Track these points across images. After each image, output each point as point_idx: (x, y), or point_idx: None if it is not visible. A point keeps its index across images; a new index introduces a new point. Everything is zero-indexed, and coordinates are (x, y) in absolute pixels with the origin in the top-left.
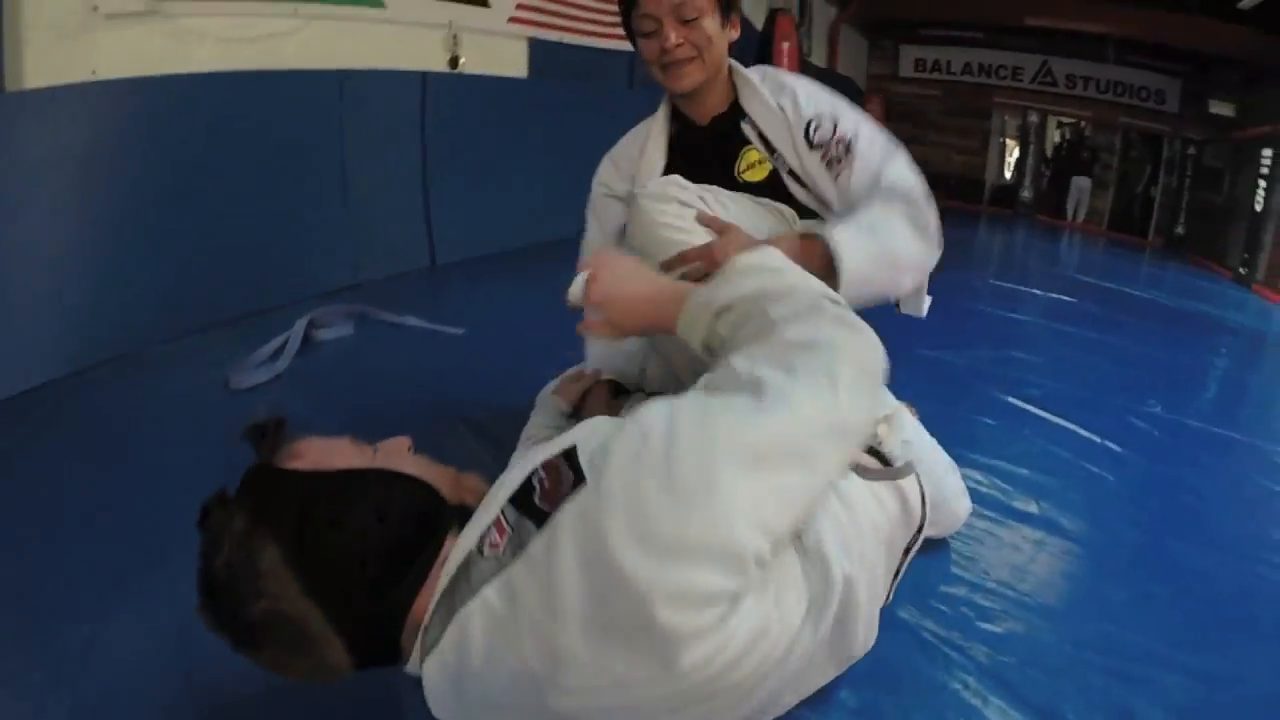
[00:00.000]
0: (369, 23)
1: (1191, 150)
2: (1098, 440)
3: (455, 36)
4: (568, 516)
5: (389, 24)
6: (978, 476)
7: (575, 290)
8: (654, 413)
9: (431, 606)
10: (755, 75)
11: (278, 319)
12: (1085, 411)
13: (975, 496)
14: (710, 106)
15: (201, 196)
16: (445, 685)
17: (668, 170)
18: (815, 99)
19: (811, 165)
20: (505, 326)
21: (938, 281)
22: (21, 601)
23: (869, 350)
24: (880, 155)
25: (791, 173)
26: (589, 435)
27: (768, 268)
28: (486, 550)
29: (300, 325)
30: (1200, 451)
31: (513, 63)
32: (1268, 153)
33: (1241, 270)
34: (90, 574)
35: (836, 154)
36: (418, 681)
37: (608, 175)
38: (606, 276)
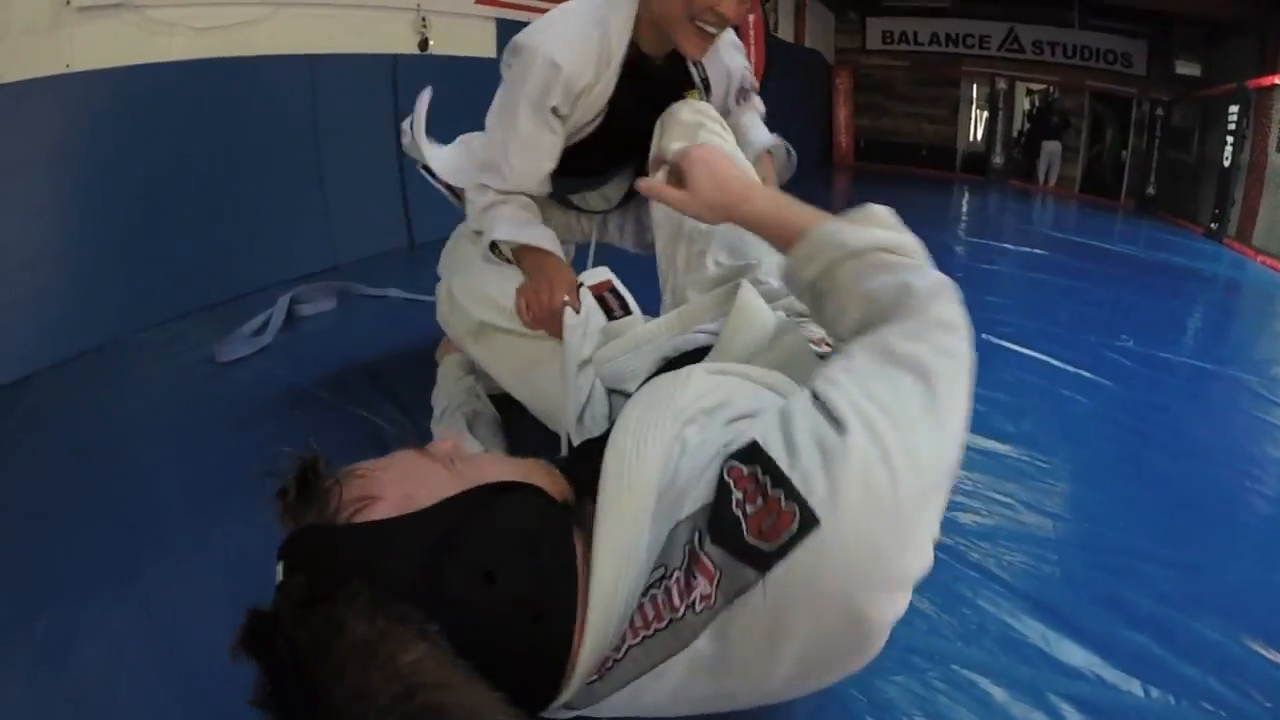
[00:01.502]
0: (338, 8)
1: (1160, 111)
2: (1071, 369)
3: (424, 19)
4: (804, 565)
5: (358, 9)
6: None
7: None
8: (856, 423)
9: (596, 643)
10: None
11: (258, 302)
12: (1058, 345)
13: None
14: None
15: (178, 184)
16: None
17: (614, 95)
18: (746, 63)
19: (727, 107)
20: None
21: None
22: (14, 586)
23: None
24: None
25: None
26: (769, 430)
27: (895, 225)
28: (699, 606)
29: (283, 301)
30: (1175, 379)
31: (481, 43)
32: (1234, 109)
33: (1213, 226)
34: (88, 557)
35: (742, 96)
36: None
37: (559, 96)
38: (714, 152)
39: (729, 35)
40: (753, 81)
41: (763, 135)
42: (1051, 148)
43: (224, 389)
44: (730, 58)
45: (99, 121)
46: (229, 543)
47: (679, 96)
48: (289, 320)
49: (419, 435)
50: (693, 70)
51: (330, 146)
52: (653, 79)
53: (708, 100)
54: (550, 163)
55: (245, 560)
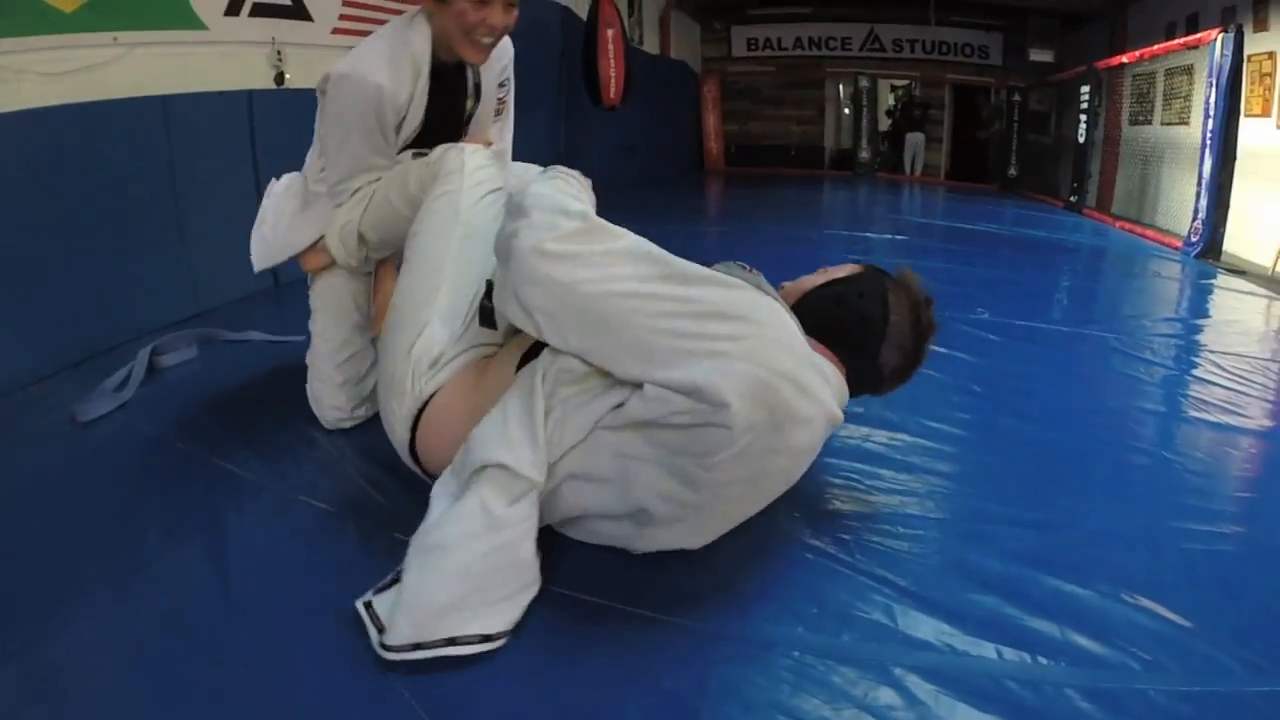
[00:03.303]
0: (191, 45)
1: (1017, 97)
2: None
3: (279, 52)
4: None
5: (211, 45)
6: None
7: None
8: None
9: None
10: None
11: (122, 355)
12: None
13: None
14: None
15: (32, 239)
16: None
17: (430, 99)
18: (512, 67)
19: (489, 109)
20: None
21: (774, 234)
22: None
23: None
24: (510, 111)
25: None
26: None
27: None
28: None
29: (143, 354)
30: (1033, 345)
31: None
32: (1086, 89)
33: (1072, 199)
34: None
35: (500, 107)
36: None
37: (389, 113)
38: None
39: (507, 45)
40: (510, 96)
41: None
42: (915, 139)
43: (84, 449)
44: (505, 67)
45: None
46: (94, 606)
47: (464, 95)
48: (151, 372)
49: (277, 482)
50: (469, 75)
51: (188, 188)
52: (454, 80)
53: (477, 102)
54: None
55: (110, 622)
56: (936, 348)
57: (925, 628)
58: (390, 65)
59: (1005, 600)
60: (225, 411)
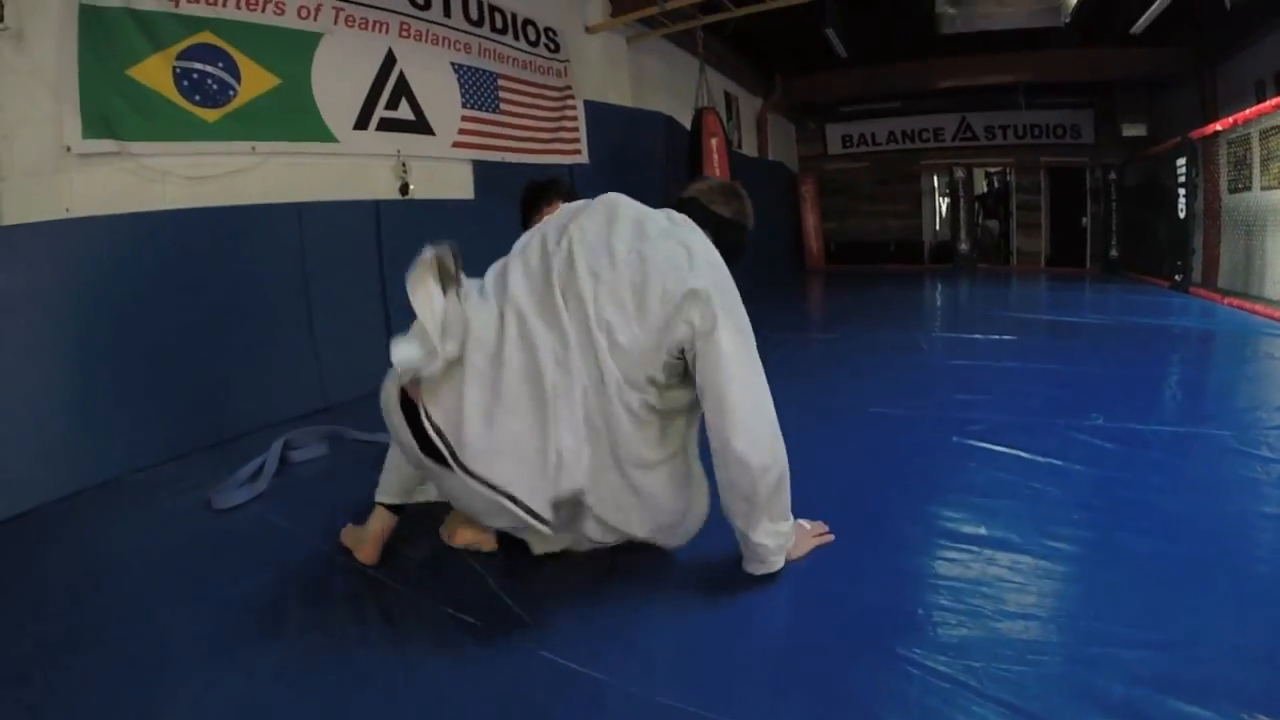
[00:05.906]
0: (323, 156)
1: (1113, 175)
2: (1041, 459)
3: (404, 164)
4: None
5: (342, 156)
6: (925, 513)
7: None
8: None
9: None
10: None
11: (252, 443)
12: (1028, 435)
13: (923, 531)
14: None
15: (174, 326)
16: None
17: None
18: None
19: None
20: None
21: (881, 341)
22: None
23: None
24: None
25: None
26: None
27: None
28: None
29: (277, 446)
30: (1146, 451)
31: (459, 185)
32: (1182, 161)
33: (1177, 278)
34: (86, 704)
35: None
36: None
37: None
38: None
39: None
40: None
41: None
42: (990, 226)
43: (221, 535)
44: None
45: (98, 265)
46: (231, 694)
47: None
48: (282, 464)
49: (415, 589)
50: None
51: (318, 289)
52: None
53: None
54: None
55: (244, 712)
56: (1054, 460)
57: None
58: None
59: None
60: (358, 513)
